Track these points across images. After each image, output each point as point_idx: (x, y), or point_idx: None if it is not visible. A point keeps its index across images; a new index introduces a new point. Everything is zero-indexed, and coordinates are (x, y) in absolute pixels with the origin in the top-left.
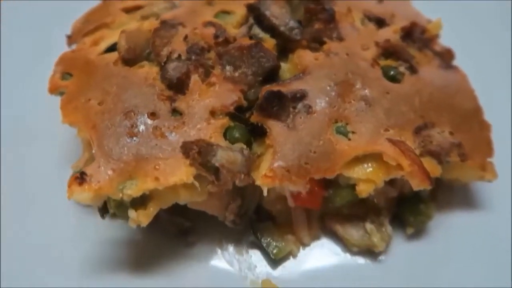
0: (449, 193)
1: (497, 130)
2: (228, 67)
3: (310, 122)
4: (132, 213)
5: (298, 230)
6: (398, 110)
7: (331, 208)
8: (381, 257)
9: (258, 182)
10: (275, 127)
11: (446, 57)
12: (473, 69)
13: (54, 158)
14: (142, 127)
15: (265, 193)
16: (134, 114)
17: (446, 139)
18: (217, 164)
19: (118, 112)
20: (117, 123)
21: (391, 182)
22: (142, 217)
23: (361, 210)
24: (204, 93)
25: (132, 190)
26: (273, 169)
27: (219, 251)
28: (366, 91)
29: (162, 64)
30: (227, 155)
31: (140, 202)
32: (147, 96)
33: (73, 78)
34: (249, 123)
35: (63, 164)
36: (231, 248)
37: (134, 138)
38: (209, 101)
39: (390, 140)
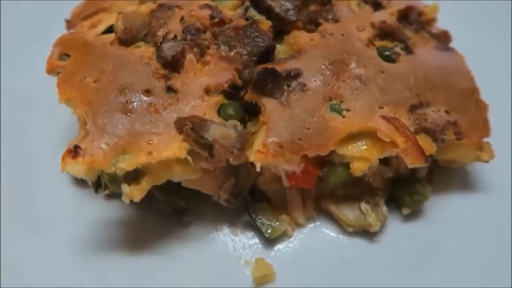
0: (446, 175)
1: (494, 113)
2: (223, 47)
3: (304, 99)
4: (125, 187)
5: (293, 211)
6: (393, 89)
7: (326, 189)
8: (377, 238)
9: (251, 159)
10: (269, 104)
11: (443, 39)
12: (471, 52)
13: (52, 141)
14: (136, 104)
15: (258, 168)
16: (129, 91)
17: (441, 117)
18: (210, 139)
19: (113, 89)
20: (112, 100)
21: (386, 162)
22: (135, 192)
23: (356, 190)
24: (199, 71)
25: (125, 163)
26: (266, 144)
27: (214, 231)
28: (361, 70)
29: (158, 44)
30: (221, 130)
31: (133, 177)
32: (142, 74)
33: (70, 59)
34: (243, 102)
35: (60, 147)
36: (225, 228)
37: (129, 114)
38: (204, 79)
39: (384, 117)
